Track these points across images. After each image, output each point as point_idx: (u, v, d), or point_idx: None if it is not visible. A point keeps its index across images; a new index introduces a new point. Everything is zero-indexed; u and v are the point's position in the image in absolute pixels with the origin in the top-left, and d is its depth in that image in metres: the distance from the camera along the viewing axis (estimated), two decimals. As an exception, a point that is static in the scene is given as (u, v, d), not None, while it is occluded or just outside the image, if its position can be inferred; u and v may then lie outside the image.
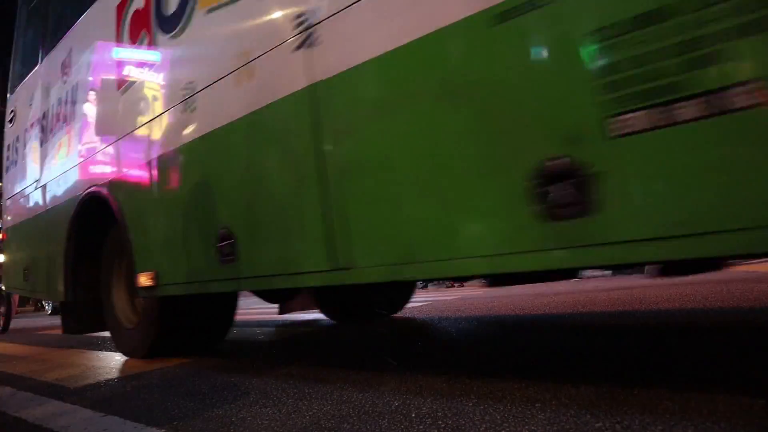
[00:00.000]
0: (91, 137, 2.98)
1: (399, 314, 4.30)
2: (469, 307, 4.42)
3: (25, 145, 4.07)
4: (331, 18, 1.57)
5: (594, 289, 5.39)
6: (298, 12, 1.68)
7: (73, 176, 3.15)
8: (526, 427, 1.11)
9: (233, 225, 1.94)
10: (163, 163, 2.30)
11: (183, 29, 2.21)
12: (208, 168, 2.06)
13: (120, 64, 2.69)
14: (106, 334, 4.35)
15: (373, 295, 3.90)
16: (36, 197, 3.73)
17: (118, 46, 2.68)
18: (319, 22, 1.60)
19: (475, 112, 1.25)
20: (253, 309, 7.69)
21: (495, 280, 1.87)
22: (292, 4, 1.70)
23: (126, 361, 2.80)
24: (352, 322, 3.81)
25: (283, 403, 1.53)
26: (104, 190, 2.74)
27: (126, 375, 2.28)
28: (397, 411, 1.33)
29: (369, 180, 1.48)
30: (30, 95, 4.01)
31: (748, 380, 1.30)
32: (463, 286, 9.75)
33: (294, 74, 1.66)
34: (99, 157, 2.86)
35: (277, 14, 1.78)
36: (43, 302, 12.86)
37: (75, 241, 3.09)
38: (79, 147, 3.12)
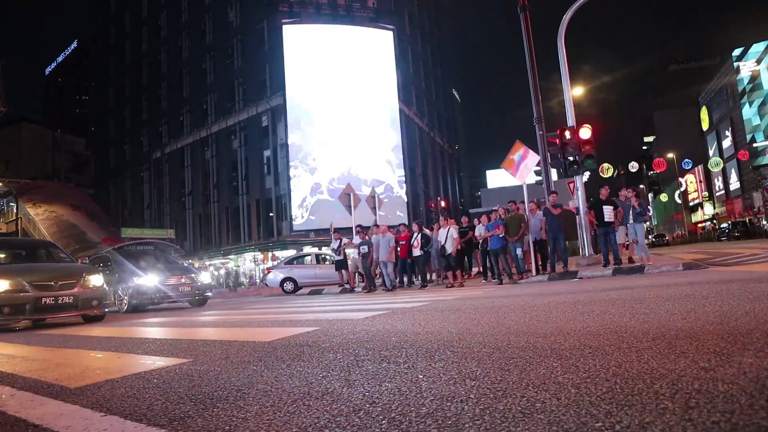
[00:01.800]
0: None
1: (398, 314, 4.30)
2: (468, 308, 4.42)
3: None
4: None
5: (594, 289, 5.39)
6: None
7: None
8: (526, 427, 1.11)
9: None
10: None
11: None
12: None
13: None
14: (102, 334, 4.35)
15: None
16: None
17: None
18: None
19: None
20: (253, 309, 7.69)
21: None
22: None
23: (126, 361, 2.80)
24: None
25: (283, 403, 1.53)
26: None
27: (126, 375, 2.28)
28: (398, 411, 1.33)
29: None
30: None
31: (748, 380, 1.30)
32: (463, 286, 9.74)
33: None
34: None
35: None
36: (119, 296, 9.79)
37: None
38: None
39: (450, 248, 10.65)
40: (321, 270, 15.44)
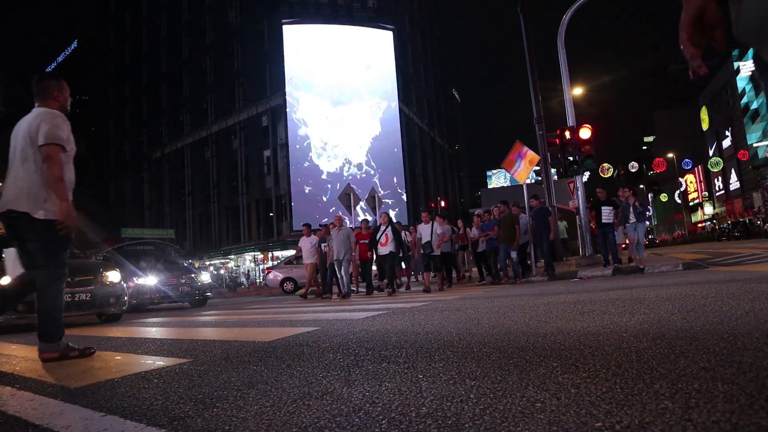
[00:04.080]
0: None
1: (398, 314, 4.31)
2: (468, 308, 4.43)
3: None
4: None
5: (594, 289, 5.39)
6: None
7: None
8: (526, 427, 1.11)
9: None
10: None
11: None
12: None
13: None
14: (101, 334, 4.35)
15: None
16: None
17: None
18: None
19: None
20: (252, 309, 7.69)
21: None
22: None
23: (126, 361, 2.80)
24: None
25: (283, 403, 1.53)
26: None
27: (126, 375, 2.28)
28: (397, 411, 1.33)
29: None
30: None
31: (748, 380, 1.30)
32: (429, 291, 8.46)
33: None
34: None
35: None
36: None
37: None
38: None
39: (434, 247, 9.28)
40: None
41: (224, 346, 3.05)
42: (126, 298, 6.68)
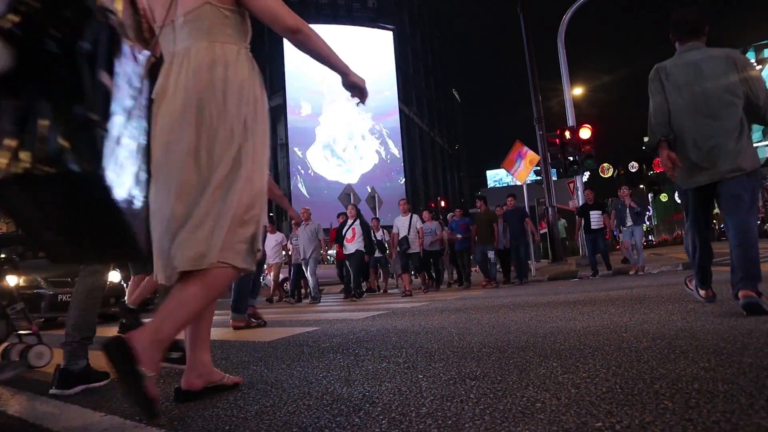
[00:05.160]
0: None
1: (398, 314, 4.31)
2: (468, 308, 4.43)
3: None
4: None
5: (594, 289, 5.39)
6: None
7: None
8: (526, 427, 1.11)
9: None
10: None
11: None
12: None
13: None
14: (101, 334, 4.35)
15: None
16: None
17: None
18: None
19: None
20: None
21: None
22: None
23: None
24: None
25: (283, 402, 1.53)
26: None
27: (126, 375, 2.27)
28: (397, 411, 1.33)
29: None
30: None
31: (748, 380, 1.30)
32: (410, 295, 7.75)
33: None
34: None
35: None
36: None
37: None
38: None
39: (414, 244, 8.10)
40: (321, 270, 15.40)
41: (224, 346, 3.05)
42: (125, 298, 6.61)
